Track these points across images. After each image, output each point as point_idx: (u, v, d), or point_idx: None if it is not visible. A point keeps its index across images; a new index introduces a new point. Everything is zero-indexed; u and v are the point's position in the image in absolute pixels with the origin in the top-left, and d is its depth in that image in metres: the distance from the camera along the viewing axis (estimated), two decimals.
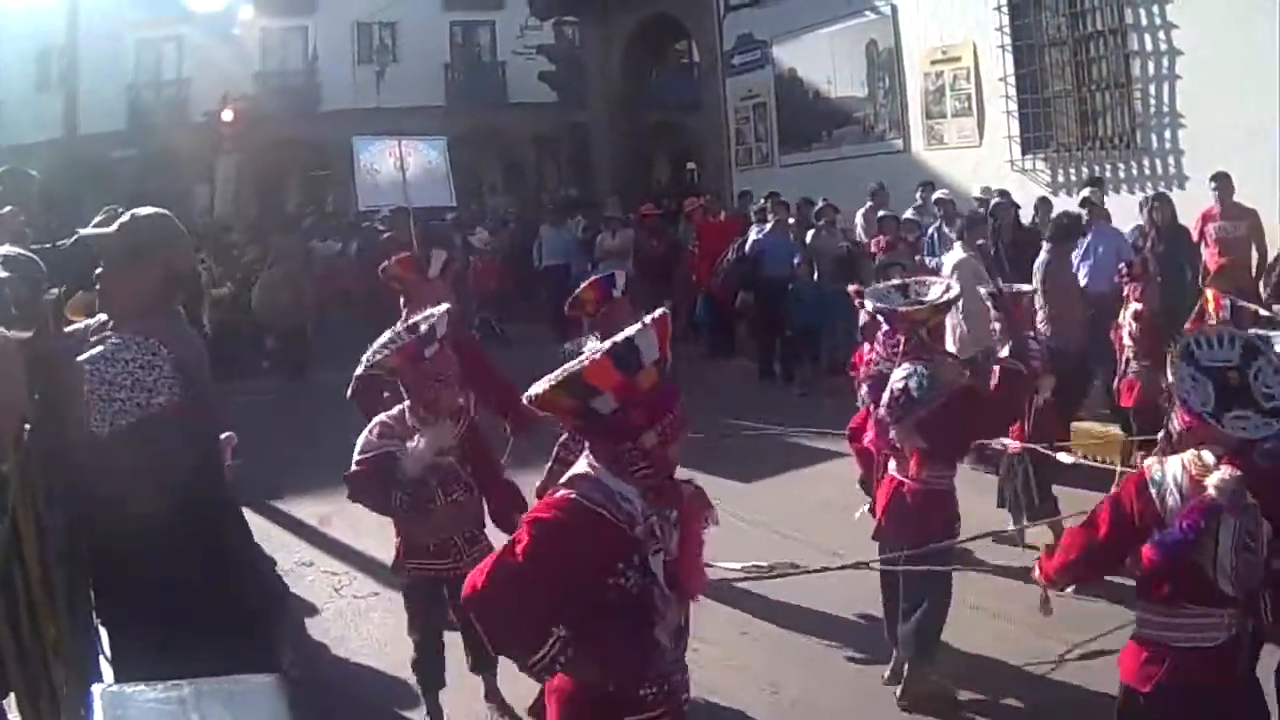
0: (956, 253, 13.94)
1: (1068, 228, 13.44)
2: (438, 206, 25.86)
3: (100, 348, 5.19)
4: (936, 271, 14.09)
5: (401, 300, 9.45)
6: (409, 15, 46.83)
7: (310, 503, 13.05)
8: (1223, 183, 15.39)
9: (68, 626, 5.10)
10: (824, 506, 11.63)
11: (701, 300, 22.07)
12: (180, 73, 46.14)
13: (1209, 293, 12.37)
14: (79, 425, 5.01)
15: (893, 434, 7.77)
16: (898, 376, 7.69)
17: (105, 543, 5.26)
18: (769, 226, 19.88)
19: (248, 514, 11.77)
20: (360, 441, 7.39)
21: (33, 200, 9.78)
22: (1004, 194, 17.51)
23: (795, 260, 19.04)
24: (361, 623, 9.62)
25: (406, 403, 7.38)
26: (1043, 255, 13.22)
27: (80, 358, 5.13)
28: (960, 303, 9.92)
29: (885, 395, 7.73)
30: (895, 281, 9.15)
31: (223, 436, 6.47)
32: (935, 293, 8.10)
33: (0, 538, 4.47)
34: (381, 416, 7.51)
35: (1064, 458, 9.95)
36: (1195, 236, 15.63)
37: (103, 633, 5.57)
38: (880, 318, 8.53)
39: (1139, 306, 11.78)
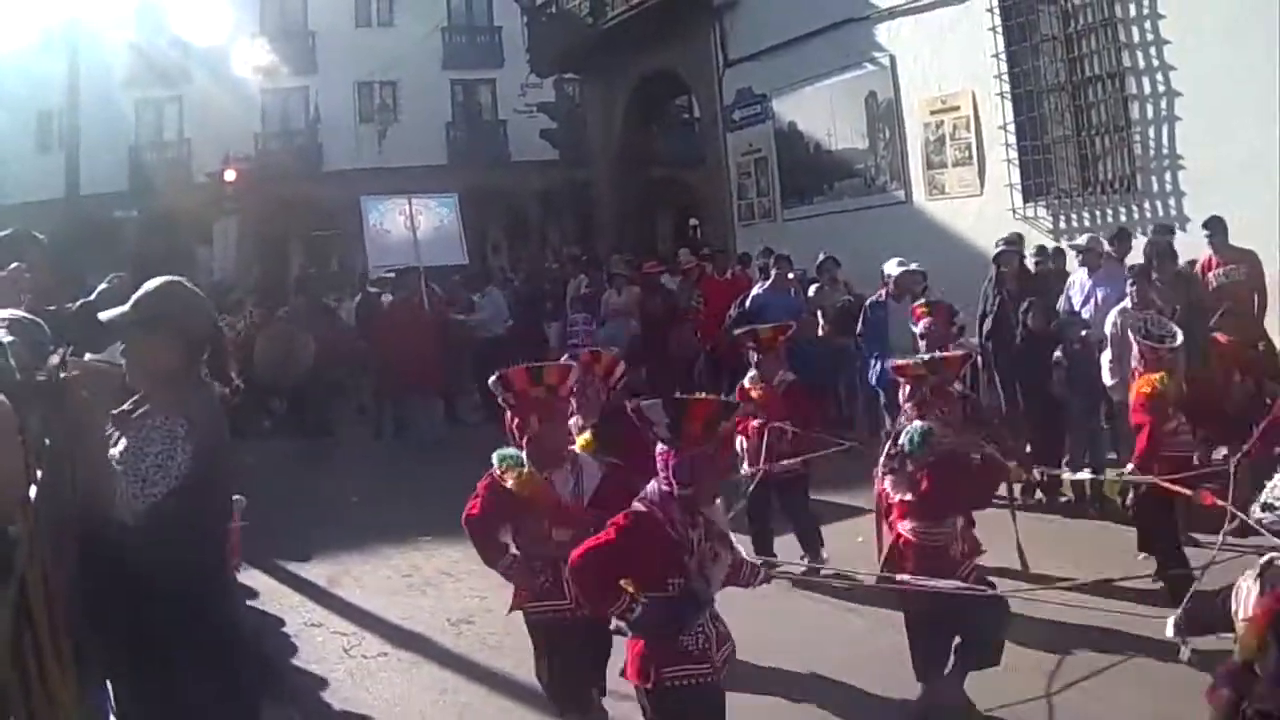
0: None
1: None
2: (449, 265, 25.83)
3: (125, 440, 5.32)
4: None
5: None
6: (409, 74, 47.11)
7: (318, 563, 13.08)
8: (1216, 228, 15.29)
9: (78, 690, 5.10)
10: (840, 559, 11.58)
11: (705, 359, 21.99)
12: (181, 133, 46.64)
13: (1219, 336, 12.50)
14: (104, 500, 5.06)
15: (887, 483, 8.03)
16: (905, 431, 8.01)
17: (115, 606, 5.28)
18: (769, 282, 19.85)
19: (256, 574, 11.88)
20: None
21: (40, 267, 9.78)
22: (1011, 241, 17.44)
23: (801, 315, 18.98)
24: (371, 683, 9.55)
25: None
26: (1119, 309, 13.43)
27: (111, 452, 5.26)
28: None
29: (888, 445, 8.01)
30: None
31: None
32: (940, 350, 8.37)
33: (9, 601, 4.48)
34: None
35: None
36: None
37: (111, 695, 5.60)
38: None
39: None
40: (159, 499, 5.14)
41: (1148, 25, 18.32)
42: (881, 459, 8.26)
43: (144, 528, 5.11)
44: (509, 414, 7.54)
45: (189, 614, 5.32)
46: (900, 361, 8.30)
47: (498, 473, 7.28)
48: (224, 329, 6.71)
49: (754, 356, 11.78)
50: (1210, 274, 15.22)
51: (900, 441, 7.95)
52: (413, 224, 23.49)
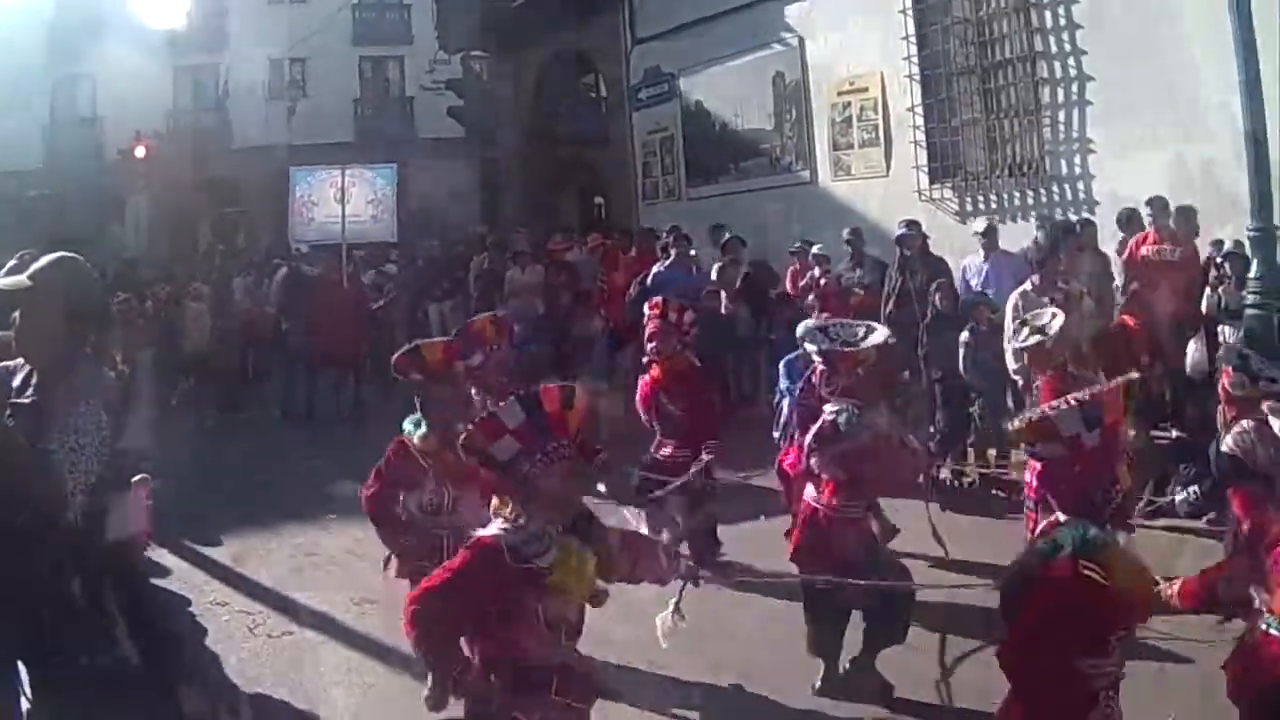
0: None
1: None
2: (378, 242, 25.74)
3: (56, 441, 5.43)
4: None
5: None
6: (320, 51, 46.13)
7: (224, 542, 13.01)
8: (1157, 206, 15.33)
9: None
10: (749, 535, 11.71)
11: (608, 337, 21.88)
12: (95, 110, 45.79)
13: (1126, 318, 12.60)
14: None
15: (813, 461, 7.98)
16: (829, 410, 8.18)
17: (31, 581, 5.38)
18: (670, 260, 19.90)
19: (163, 553, 11.80)
20: None
21: None
22: (913, 224, 17.50)
23: (701, 293, 19.00)
24: (276, 662, 9.55)
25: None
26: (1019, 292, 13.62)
27: (53, 448, 5.46)
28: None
29: (814, 426, 8.19)
30: (812, 321, 9.54)
31: (136, 479, 6.45)
32: (875, 336, 8.44)
33: None
34: None
35: None
36: (1125, 258, 15.71)
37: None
38: (818, 358, 8.75)
39: None
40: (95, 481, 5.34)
41: (1060, 9, 18.46)
42: (808, 439, 8.30)
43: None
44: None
45: (114, 581, 5.43)
46: (850, 350, 8.33)
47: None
48: (123, 307, 6.88)
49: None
50: (1143, 249, 15.30)
51: (836, 421, 8.03)
52: (343, 197, 23.39)
